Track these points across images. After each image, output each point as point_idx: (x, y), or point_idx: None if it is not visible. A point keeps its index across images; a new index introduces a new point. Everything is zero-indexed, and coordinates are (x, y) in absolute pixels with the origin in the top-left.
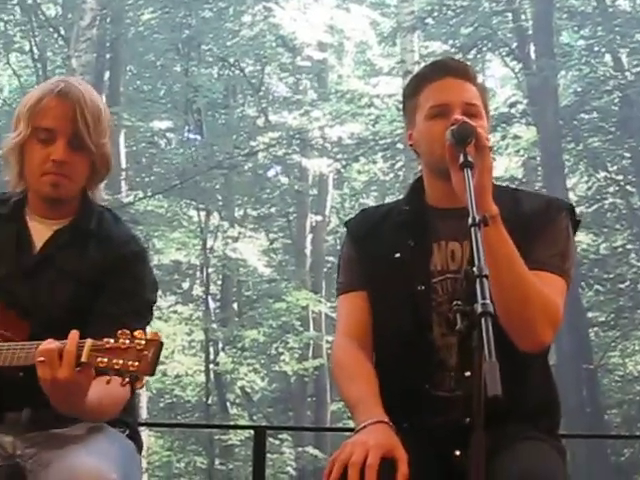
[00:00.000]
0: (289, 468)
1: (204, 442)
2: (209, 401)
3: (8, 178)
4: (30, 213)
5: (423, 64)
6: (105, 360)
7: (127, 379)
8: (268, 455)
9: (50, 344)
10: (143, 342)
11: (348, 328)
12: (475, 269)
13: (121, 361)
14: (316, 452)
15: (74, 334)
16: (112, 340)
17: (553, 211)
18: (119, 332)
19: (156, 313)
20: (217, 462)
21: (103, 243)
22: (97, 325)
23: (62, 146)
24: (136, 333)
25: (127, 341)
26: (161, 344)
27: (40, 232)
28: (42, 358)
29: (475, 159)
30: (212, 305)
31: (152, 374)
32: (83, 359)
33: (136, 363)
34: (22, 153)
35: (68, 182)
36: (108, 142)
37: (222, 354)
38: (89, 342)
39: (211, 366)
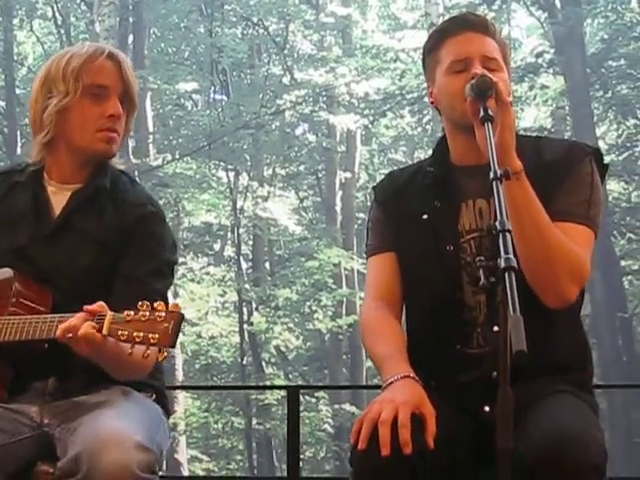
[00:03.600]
0: (326, 425)
1: (241, 402)
2: (244, 361)
3: (34, 143)
4: (48, 179)
5: (447, 16)
6: (126, 333)
7: (148, 351)
8: (305, 413)
9: (70, 324)
10: (163, 314)
11: (376, 289)
12: (497, 224)
13: (142, 333)
14: (353, 409)
15: (81, 314)
16: (132, 312)
17: (574, 157)
18: (139, 304)
19: (189, 275)
20: (254, 422)
21: (120, 205)
22: (121, 286)
23: (117, 101)
24: (156, 305)
25: (147, 313)
26: (181, 316)
27: (58, 197)
28: (69, 335)
29: (496, 115)
30: (244, 265)
31: (173, 346)
32: (104, 332)
33: (156, 335)
34: (66, 114)
35: (118, 139)
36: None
37: (256, 314)
38: (109, 315)
39: (245, 326)
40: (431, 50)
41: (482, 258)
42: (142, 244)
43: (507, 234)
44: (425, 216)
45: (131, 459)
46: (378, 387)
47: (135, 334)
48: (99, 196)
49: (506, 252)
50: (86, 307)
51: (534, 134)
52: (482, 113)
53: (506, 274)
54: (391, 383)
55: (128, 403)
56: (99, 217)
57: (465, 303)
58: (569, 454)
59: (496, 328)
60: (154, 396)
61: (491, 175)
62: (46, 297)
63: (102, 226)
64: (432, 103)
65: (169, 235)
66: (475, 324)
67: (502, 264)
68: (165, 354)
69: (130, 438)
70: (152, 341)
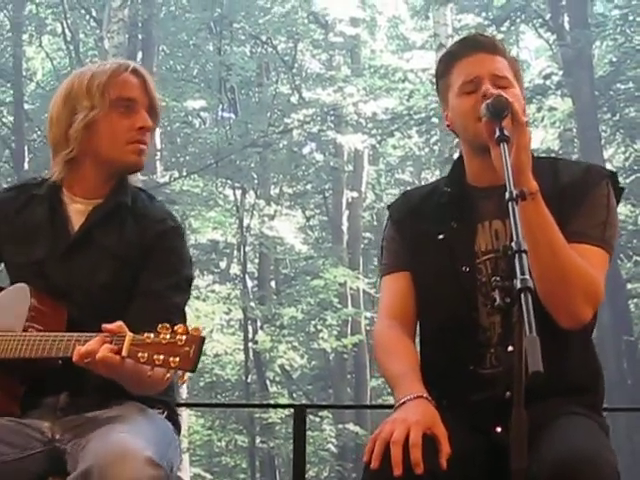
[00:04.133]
0: (330, 445)
1: (244, 421)
2: (249, 379)
3: (58, 160)
4: (68, 194)
5: (456, 37)
6: (145, 355)
7: (168, 375)
8: (309, 433)
9: (88, 348)
10: (184, 337)
11: (390, 309)
12: (514, 244)
13: (162, 357)
14: (357, 429)
15: (100, 336)
16: (152, 335)
17: (591, 180)
18: (160, 326)
19: (194, 292)
20: (258, 440)
21: (140, 220)
22: (140, 301)
23: (145, 114)
24: (177, 328)
25: (168, 336)
26: (203, 339)
27: (77, 212)
28: (87, 360)
29: (512, 135)
30: (250, 284)
31: (193, 371)
32: (124, 354)
33: (177, 359)
34: (94, 128)
35: (147, 151)
36: None
37: (261, 332)
38: (129, 337)
39: (250, 344)
40: (442, 74)
41: (498, 278)
42: (162, 259)
43: (523, 255)
44: (441, 236)
45: (141, 475)
46: (384, 407)
47: (155, 357)
48: (120, 212)
49: (522, 273)
50: (105, 326)
51: (542, 155)
52: (498, 133)
53: (522, 295)
54: (404, 403)
55: (140, 419)
56: (120, 232)
57: (480, 324)
58: (582, 475)
59: (510, 348)
60: (166, 412)
61: (507, 195)
62: (61, 314)
63: (123, 241)
64: (448, 126)
65: (187, 251)
66: (489, 345)
67: (518, 285)
68: (185, 378)
69: (141, 454)
70: (173, 365)
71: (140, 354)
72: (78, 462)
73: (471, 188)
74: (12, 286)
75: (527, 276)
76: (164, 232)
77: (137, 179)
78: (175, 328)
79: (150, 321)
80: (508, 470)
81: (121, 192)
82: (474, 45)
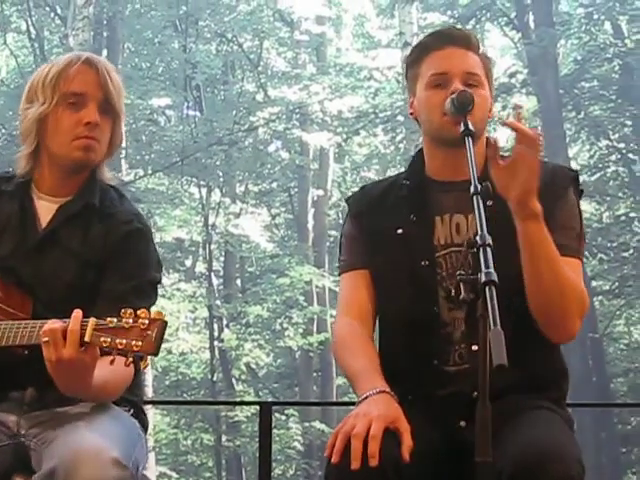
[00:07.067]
0: (296, 443)
1: (210, 419)
2: (214, 378)
3: (20, 154)
4: (36, 191)
5: (422, 35)
6: (108, 340)
7: (131, 359)
8: (275, 431)
9: (54, 324)
10: (147, 321)
11: (348, 306)
12: (478, 238)
13: (124, 341)
14: (323, 427)
15: (77, 313)
16: (115, 319)
17: (561, 183)
18: (122, 311)
19: (159, 291)
20: (224, 439)
21: (106, 221)
22: (102, 304)
23: (94, 109)
24: (139, 312)
25: (130, 320)
26: (165, 323)
27: (46, 209)
28: (46, 338)
29: (522, 160)
30: (215, 282)
31: (156, 354)
32: (86, 339)
33: (139, 343)
34: (45, 123)
35: (98, 146)
36: (123, 119)
37: (226, 330)
38: (92, 321)
39: (216, 343)
40: (413, 63)
41: (462, 272)
42: (125, 262)
43: (488, 248)
44: (400, 230)
45: (107, 476)
46: (349, 404)
47: (118, 341)
48: (86, 212)
49: (487, 266)
50: (77, 312)
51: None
52: (462, 128)
53: (487, 288)
54: (366, 397)
55: (106, 417)
56: (85, 233)
57: (441, 319)
58: (546, 468)
59: (475, 347)
60: (132, 411)
61: (472, 190)
62: (27, 305)
63: (87, 243)
64: (411, 114)
65: (154, 253)
66: (451, 341)
67: (483, 278)
68: (147, 362)
69: (107, 454)
70: (135, 349)
71: (103, 339)
72: (42, 460)
73: (431, 181)
74: None
75: (492, 270)
76: (129, 234)
77: (112, 176)
78: (138, 312)
79: None
80: (473, 465)
81: (89, 191)
82: (448, 39)
